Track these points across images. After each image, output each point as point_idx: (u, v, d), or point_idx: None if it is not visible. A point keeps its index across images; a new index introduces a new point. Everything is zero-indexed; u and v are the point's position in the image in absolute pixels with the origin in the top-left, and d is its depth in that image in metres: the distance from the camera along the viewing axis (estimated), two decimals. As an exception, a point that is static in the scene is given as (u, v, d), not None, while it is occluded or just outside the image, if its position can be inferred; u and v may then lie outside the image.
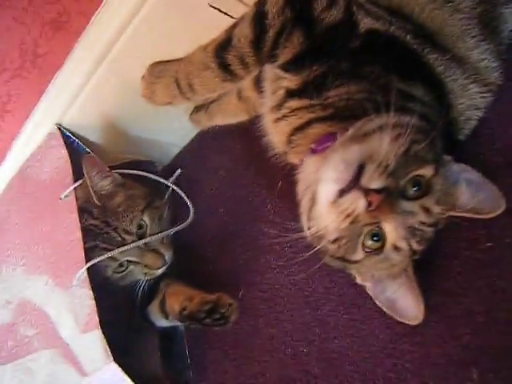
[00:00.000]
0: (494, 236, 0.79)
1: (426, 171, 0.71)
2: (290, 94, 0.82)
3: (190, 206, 1.23)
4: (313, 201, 0.78)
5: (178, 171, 1.33)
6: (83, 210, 1.10)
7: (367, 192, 0.68)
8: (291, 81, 0.82)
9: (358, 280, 0.83)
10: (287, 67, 0.81)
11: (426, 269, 0.81)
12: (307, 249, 0.98)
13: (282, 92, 0.84)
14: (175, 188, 1.26)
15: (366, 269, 0.79)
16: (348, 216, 0.70)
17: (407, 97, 0.75)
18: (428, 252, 0.80)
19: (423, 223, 0.72)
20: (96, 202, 1.10)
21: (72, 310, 1.06)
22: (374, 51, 0.77)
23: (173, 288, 1.15)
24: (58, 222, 1.12)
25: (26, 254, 1.19)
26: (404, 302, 0.78)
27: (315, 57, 0.78)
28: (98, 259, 1.06)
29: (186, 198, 1.24)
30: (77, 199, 1.10)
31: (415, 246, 0.74)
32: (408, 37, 0.77)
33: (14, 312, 1.20)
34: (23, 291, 1.18)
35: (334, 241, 0.75)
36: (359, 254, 0.75)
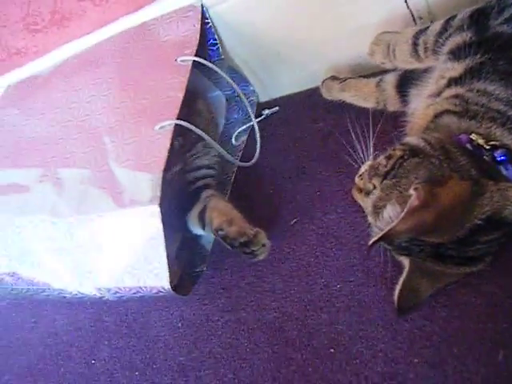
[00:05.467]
0: None
1: None
2: (454, 81, 0.91)
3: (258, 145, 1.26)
4: None
5: (276, 108, 1.37)
6: None
7: None
8: (455, 69, 0.92)
9: None
10: (454, 53, 0.93)
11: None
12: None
13: (444, 81, 0.94)
14: (255, 126, 1.29)
15: None
16: None
17: None
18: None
19: None
20: None
21: (138, 145, 1.05)
22: None
23: (215, 202, 1.13)
24: (165, 78, 1.14)
25: (114, 89, 1.20)
26: None
27: (480, 46, 0.89)
28: (192, 127, 1.07)
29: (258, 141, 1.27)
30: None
31: None
32: None
33: (69, 129, 1.19)
34: (90, 115, 1.18)
35: None
36: None
